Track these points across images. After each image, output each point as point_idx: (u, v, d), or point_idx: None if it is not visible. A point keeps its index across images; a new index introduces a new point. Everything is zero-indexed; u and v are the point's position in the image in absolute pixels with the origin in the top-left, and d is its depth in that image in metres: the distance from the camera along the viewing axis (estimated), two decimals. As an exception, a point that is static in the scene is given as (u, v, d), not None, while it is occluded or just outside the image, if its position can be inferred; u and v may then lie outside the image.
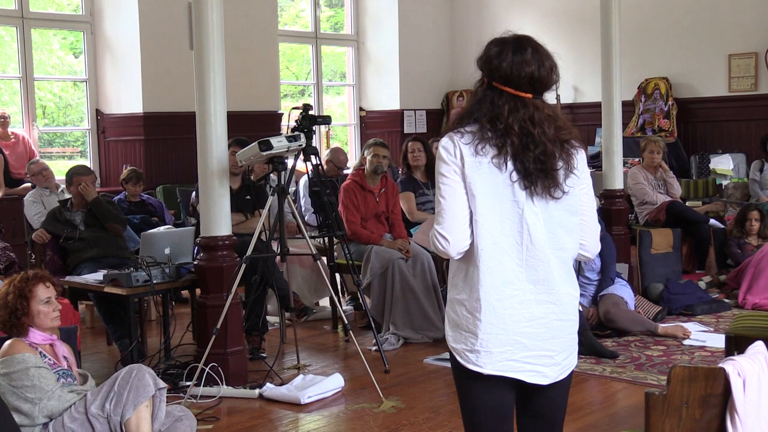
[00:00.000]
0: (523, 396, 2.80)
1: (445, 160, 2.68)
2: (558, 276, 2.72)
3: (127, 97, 9.81)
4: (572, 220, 2.76)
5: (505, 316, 2.67)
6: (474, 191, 2.65)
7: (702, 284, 7.94)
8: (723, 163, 10.55)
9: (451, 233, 2.67)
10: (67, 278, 6.08)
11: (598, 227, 2.88)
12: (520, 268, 2.68)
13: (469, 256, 2.68)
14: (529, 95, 2.70)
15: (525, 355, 2.70)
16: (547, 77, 2.72)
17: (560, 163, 2.69)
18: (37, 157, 8.87)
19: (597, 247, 2.88)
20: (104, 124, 9.88)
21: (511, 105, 2.68)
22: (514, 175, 2.65)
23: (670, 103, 11.02)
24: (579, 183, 2.76)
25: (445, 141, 2.71)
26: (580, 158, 2.77)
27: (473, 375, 2.71)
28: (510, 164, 2.65)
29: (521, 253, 2.67)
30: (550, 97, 2.81)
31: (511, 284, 2.67)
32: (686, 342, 6.34)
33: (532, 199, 2.67)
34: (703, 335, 6.51)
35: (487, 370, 2.68)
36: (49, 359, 3.95)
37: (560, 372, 2.77)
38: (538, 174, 2.66)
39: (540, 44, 2.75)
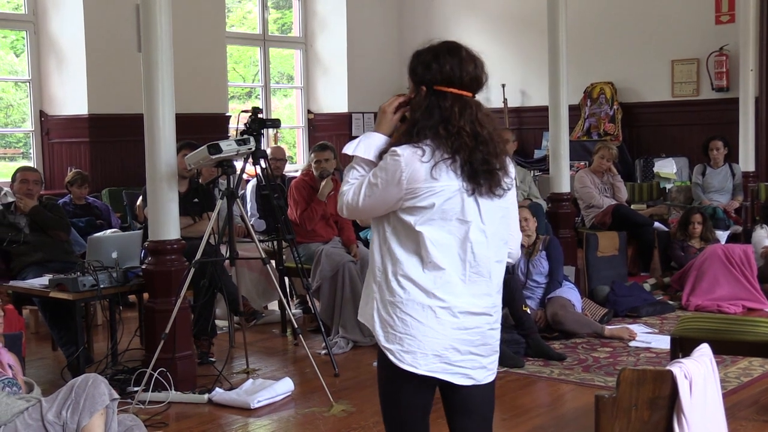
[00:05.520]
0: (451, 394, 2.90)
1: (390, 167, 2.73)
2: (494, 288, 2.85)
3: (72, 99, 9.64)
4: (507, 231, 2.89)
5: (445, 323, 2.76)
6: (424, 209, 2.71)
7: (647, 286, 8.06)
8: (666, 167, 10.73)
9: (356, 213, 2.82)
10: (11, 283, 5.96)
11: (521, 235, 3.05)
12: (462, 283, 2.76)
13: (413, 262, 2.74)
14: (470, 94, 2.79)
15: (458, 359, 2.80)
16: (482, 75, 2.82)
17: (499, 164, 2.78)
18: (-22, 159, 8.70)
19: (519, 252, 3.05)
20: (48, 125, 9.70)
21: (459, 105, 2.74)
22: (465, 184, 2.71)
23: (615, 107, 11.18)
24: (511, 191, 2.86)
25: (408, 152, 2.71)
26: (510, 165, 2.86)
27: (405, 374, 2.79)
28: (461, 169, 2.71)
29: (465, 270, 2.76)
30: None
31: (454, 296, 2.75)
32: (632, 344, 6.43)
33: (479, 213, 2.74)
34: (648, 337, 6.60)
35: (421, 371, 2.77)
36: (-7, 368, 3.88)
37: (487, 375, 2.89)
38: (484, 175, 2.73)
39: (467, 46, 2.83)
